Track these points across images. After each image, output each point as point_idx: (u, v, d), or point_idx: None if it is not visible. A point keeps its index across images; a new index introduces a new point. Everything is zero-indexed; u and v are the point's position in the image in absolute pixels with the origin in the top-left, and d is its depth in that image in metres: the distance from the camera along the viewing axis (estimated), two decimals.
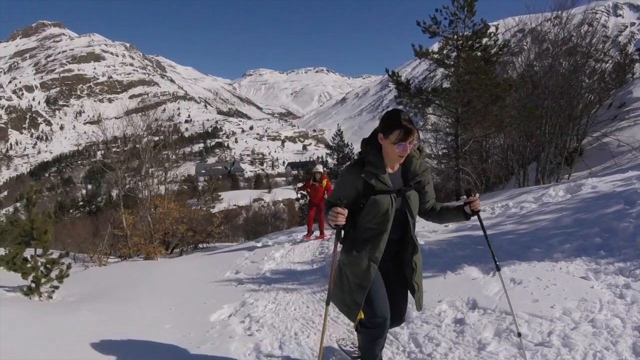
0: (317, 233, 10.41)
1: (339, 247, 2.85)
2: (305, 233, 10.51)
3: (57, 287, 6.80)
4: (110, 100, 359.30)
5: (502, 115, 14.62)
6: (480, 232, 3.27)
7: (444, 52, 15.39)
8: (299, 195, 11.44)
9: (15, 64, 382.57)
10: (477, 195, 2.86)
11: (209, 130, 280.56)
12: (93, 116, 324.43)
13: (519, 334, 3.01)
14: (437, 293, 4.51)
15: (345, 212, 2.60)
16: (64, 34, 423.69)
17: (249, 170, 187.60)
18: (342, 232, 2.76)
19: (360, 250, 2.75)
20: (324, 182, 10.06)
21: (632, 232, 4.93)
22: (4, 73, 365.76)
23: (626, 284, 3.98)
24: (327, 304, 2.84)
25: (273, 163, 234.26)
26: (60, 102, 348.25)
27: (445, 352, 3.41)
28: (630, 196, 6.13)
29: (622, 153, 14.57)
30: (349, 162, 3.21)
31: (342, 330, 4.24)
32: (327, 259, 7.79)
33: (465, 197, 2.88)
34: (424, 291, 3.01)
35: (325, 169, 12.86)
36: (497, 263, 3.11)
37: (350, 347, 3.59)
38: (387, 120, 2.66)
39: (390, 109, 2.84)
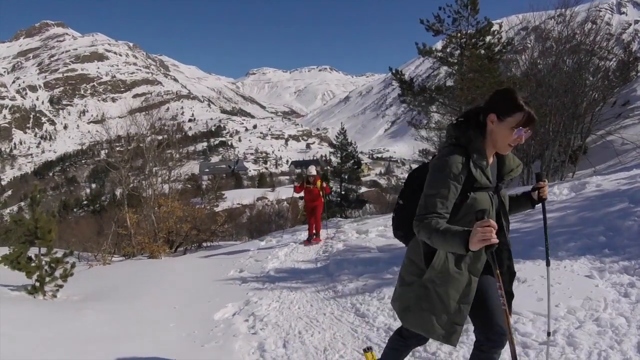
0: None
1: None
2: (306, 239, 10.01)
3: (61, 286, 6.82)
4: (113, 100, 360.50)
5: None
6: None
7: (448, 50, 15.39)
8: (295, 195, 11.27)
9: (19, 63, 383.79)
10: (547, 181, 2.57)
11: (213, 129, 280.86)
12: (97, 115, 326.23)
13: (549, 334, 2.93)
14: None
15: (496, 225, 1.92)
16: (67, 34, 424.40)
17: (252, 169, 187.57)
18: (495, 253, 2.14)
19: (459, 263, 2.25)
20: (319, 183, 10.08)
21: (636, 231, 4.91)
22: (8, 73, 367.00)
23: (631, 282, 3.96)
24: (509, 333, 2.19)
25: (277, 162, 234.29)
26: (64, 102, 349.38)
27: (449, 351, 3.41)
28: (634, 194, 6.10)
29: (626, 151, 14.48)
30: (440, 152, 2.33)
31: (346, 330, 4.24)
32: (331, 257, 7.78)
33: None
34: None
35: (319, 169, 12.88)
36: (549, 257, 2.83)
37: None
38: (507, 99, 2.18)
39: (503, 90, 2.29)
